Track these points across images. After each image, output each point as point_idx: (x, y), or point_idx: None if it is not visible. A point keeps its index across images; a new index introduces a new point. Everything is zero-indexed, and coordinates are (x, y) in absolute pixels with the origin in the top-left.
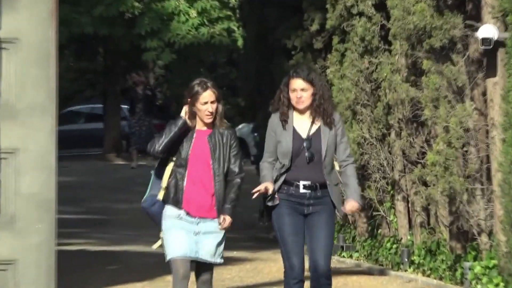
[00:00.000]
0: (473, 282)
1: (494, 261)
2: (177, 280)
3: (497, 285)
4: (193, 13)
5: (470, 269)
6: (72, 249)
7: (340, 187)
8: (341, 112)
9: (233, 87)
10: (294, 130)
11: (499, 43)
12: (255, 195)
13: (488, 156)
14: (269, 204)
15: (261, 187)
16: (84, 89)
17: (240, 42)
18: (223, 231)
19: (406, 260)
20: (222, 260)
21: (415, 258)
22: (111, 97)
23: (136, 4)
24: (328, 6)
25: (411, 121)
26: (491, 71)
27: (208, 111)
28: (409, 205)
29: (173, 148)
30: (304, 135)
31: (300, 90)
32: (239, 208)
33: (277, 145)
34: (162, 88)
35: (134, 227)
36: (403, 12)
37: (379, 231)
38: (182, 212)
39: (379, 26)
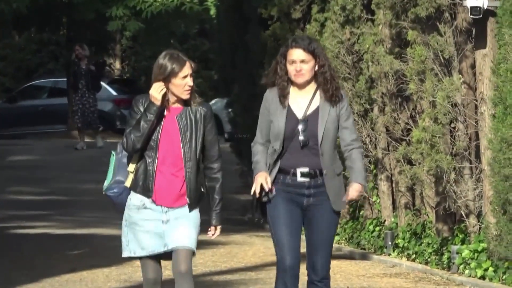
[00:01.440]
0: (461, 266)
1: (483, 245)
2: (148, 285)
3: (486, 269)
4: None
5: (457, 253)
6: (35, 232)
7: (341, 177)
8: None
9: (205, 59)
10: (289, 109)
11: (489, 12)
12: (255, 192)
13: (477, 133)
14: (265, 199)
15: (257, 186)
16: (47, 61)
17: (213, 11)
18: (196, 216)
19: (390, 243)
20: (194, 248)
21: (399, 241)
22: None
23: None
24: None
25: (395, 95)
26: (480, 42)
27: (188, 85)
28: (393, 185)
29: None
30: (300, 115)
31: (300, 61)
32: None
33: (270, 125)
34: (130, 61)
35: (100, 208)
36: None
37: (361, 213)
38: (148, 201)
39: None
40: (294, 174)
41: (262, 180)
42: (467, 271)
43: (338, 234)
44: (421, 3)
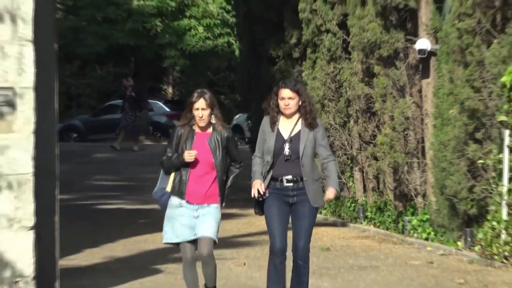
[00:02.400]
0: (411, 231)
1: (426, 216)
2: (187, 263)
3: (429, 233)
4: (200, 29)
5: (409, 222)
6: (112, 208)
7: (320, 182)
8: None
9: (232, 86)
10: (278, 132)
11: (431, 53)
12: (254, 194)
13: (422, 138)
14: (260, 199)
15: (254, 191)
16: (120, 88)
17: (237, 52)
18: (218, 214)
19: (361, 215)
20: (216, 239)
21: (368, 214)
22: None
23: (158, 23)
24: (303, 25)
25: (365, 111)
26: (425, 74)
27: (199, 116)
28: (364, 174)
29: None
30: (286, 136)
31: (287, 98)
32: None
33: (264, 143)
34: (179, 87)
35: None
36: (359, 29)
37: (341, 194)
38: (183, 202)
39: (342, 40)
40: (282, 181)
41: (258, 186)
42: (415, 234)
43: (325, 209)
44: (383, 46)
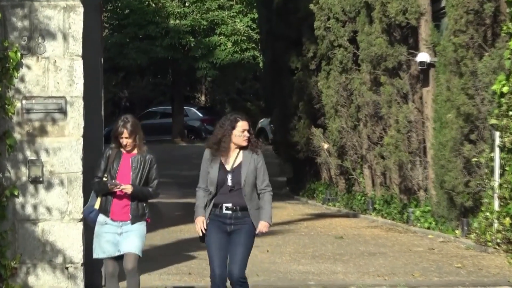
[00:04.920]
0: (415, 221)
1: (428, 207)
2: (107, 276)
3: (430, 223)
4: (229, 44)
5: (412, 213)
6: (152, 201)
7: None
8: (327, 111)
9: (257, 94)
10: (221, 164)
11: (431, 65)
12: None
13: (424, 139)
14: (203, 233)
15: (197, 229)
16: (159, 96)
17: (261, 64)
18: (142, 231)
19: (371, 207)
20: (140, 254)
21: (376, 206)
22: (177, 101)
23: (191, 39)
24: (318, 40)
25: (373, 116)
26: (425, 83)
27: (123, 144)
28: (372, 171)
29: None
30: (228, 167)
31: (246, 130)
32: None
33: (208, 174)
34: (210, 95)
35: (193, 186)
36: (368, 44)
37: (353, 188)
38: (108, 219)
39: (352, 53)
40: (221, 208)
41: (200, 224)
42: (418, 224)
43: (339, 202)
44: (388, 59)
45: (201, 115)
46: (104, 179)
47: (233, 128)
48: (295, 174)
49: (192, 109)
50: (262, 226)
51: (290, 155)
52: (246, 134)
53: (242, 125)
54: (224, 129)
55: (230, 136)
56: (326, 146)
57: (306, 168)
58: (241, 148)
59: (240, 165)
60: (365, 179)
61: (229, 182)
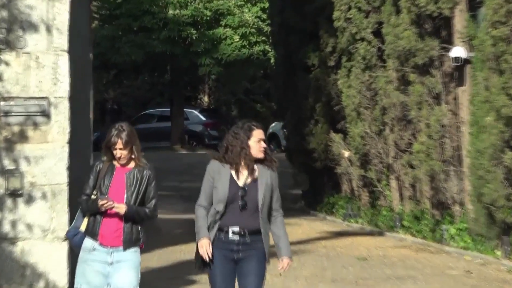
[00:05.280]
0: (449, 240)
1: (464, 225)
2: None
3: (466, 242)
4: (236, 38)
5: (446, 230)
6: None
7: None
8: (348, 113)
9: (268, 94)
10: (231, 177)
11: (466, 61)
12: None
13: (459, 146)
14: (207, 260)
15: (203, 253)
16: (156, 97)
17: (272, 60)
18: (137, 260)
19: (398, 224)
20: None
21: (404, 222)
22: (176, 103)
23: (193, 31)
24: (338, 33)
25: (401, 119)
26: (460, 82)
27: (117, 156)
28: (400, 182)
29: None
30: (241, 183)
31: (263, 140)
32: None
33: (213, 190)
34: (214, 96)
35: (194, 200)
36: (394, 37)
37: (377, 202)
38: (96, 244)
39: (377, 48)
40: (227, 232)
41: (207, 247)
42: (453, 243)
43: (361, 218)
44: (418, 54)
45: (203, 118)
46: (93, 196)
47: (248, 138)
48: (312, 186)
49: (194, 111)
50: (285, 264)
51: (306, 164)
52: (263, 144)
53: (257, 134)
54: (241, 140)
55: (248, 147)
56: (347, 154)
57: (324, 179)
58: (256, 161)
59: (255, 181)
60: (391, 192)
61: (241, 200)
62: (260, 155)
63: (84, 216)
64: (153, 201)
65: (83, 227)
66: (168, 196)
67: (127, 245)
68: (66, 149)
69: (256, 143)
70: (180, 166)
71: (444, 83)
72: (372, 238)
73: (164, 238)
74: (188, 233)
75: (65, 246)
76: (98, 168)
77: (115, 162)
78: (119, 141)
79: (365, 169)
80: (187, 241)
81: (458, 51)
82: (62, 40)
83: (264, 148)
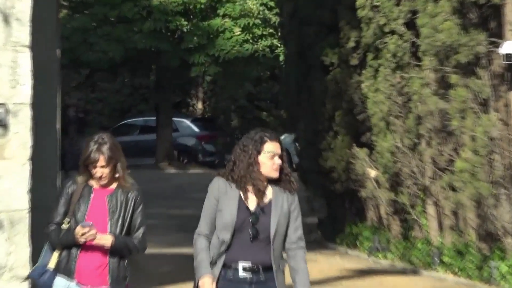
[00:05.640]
0: (500, 280)
1: None
2: None
3: None
4: (237, 30)
5: (496, 268)
6: None
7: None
8: (375, 124)
9: (276, 100)
10: (241, 200)
11: None
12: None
13: (511, 163)
14: None
15: None
16: (138, 103)
17: (282, 58)
18: None
19: (437, 260)
20: None
21: (445, 258)
22: (163, 110)
23: (184, 22)
24: (362, 25)
25: (440, 131)
26: None
27: (97, 176)
28: (439, 209)
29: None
30: (252, 206)
31: (278, 155)
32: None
33: (217, 214)
34: (210, 102)
35: (185, 231)
36: (432, 30)
37: (411, 233)
38: (72, 284)
39: (410, 43)
40: (236, 269)
41: (207, 284)
42: (506, 285)
43: (391, 253)
44: (461, 51)
45: (197, 129)
46: (65, 225)
47: (258, 152)
48: (330, 213)
49: (185, 121)
50: None
51: (323, 186)
52: (277, 161)
53: (271, 147)
54: (249, 154)
55: (258, 164)
56: (373, 173)
57: (345, 204)
58: (270, 180)
59: (269, 205)
60: (428, 221)
61: (252, 228)
62: (274, 175)
63: (53, 250)
64: (141, 230)
65: (52, 264)
66: (153, 226)
67: (114, 284)
68: (27, 168)
69: (268, 159)
70: (168, 188)
71: (493, 86)
72: (405, 277)
73: (149, 278)
74: (179, 271)
75: (25, 287)
76: (69, 190)
77: (92, 182)
78: (101, 157)
79: (395, 192)
80: (176, 281)
81: (510, 46)
82: (22, 33)
83: (279, 165)
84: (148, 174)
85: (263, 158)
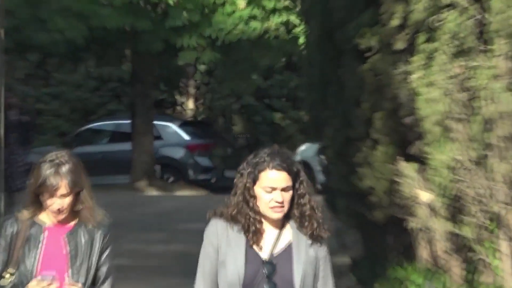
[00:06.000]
0: None
1: None
2: None
3: None
4: (241, 3)
5: None
6: None
7: None
8: (428, 129)
9: (293, 97)
10: (248, 246)
11: None
12: None
13: None
14: None
15: None
16: (107, 101)
17: (302, 40)
18: None
19: None
20: None
21: None
22: (141, 111)
23: None
24: None
25: None
26: None
27: (55, 210)
28: None
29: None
30: (265, 254)
31: (281, 189)
32: None
33: (219, 269)
34: (205, 100)
35: (171, 275)
36: (504, 4)
37: (478, 277)
38: None
39: (476, 20)
40: None
41: None
42: None
43: None
44: None
45: (187, 137)
46: (6, 279)
47: (254, 181)
48: (367, 250)
49: (170, 125)
50: None
51: (357, 213)
52: (278, 197)
53: (269, 178)
54: (244, 182)
55: (254, 197)
56: (426, 197)
57: (388, 239)
58: (286, 216)
59: (289, 249)
60: (502, 260)
61: (268, 283)
62: (272, 215)
63: None
64: (108, 282)
65: None
66: (127, 268)
67: None
68: None
69: (266, 194)
70: (148, 217)
71: None
72: None
73: None
74: None
75: None
76: (12, 231)
77: (42, 218)
78: (62, 183)
79: (456, 223)
80: None
81: None
82: None
83: (280, 203)
84: (121, 197)
85: (259, 191)
